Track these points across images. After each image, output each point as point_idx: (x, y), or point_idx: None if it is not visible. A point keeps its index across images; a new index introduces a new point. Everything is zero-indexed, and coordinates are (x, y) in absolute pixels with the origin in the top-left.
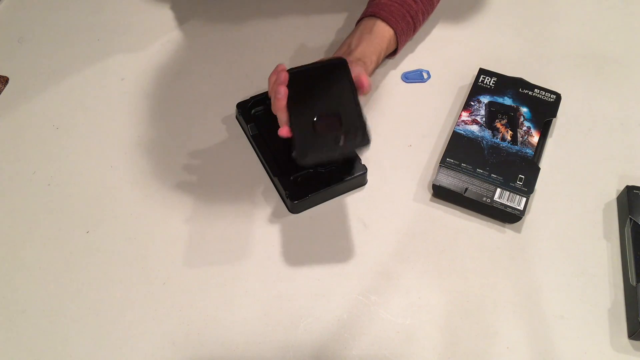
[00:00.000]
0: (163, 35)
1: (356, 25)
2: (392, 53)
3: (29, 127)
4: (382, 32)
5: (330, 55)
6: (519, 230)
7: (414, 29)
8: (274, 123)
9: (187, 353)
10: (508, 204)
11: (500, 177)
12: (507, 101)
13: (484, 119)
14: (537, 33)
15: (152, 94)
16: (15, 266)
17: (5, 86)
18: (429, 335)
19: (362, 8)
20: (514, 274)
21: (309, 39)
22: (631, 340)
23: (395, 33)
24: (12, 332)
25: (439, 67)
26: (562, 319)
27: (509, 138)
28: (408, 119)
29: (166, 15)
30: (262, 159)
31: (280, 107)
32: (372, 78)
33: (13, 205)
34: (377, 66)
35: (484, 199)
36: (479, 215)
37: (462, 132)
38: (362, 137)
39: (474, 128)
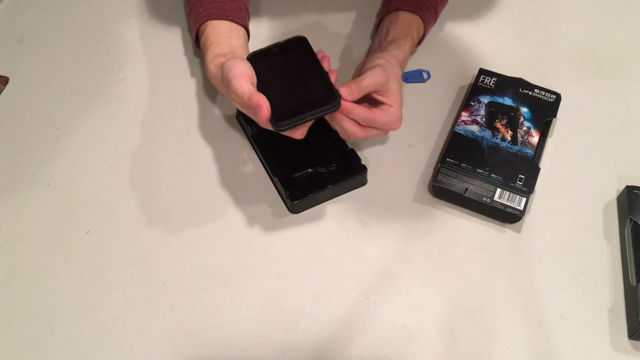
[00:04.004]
0: (163, 35)
1: (379, 26)
2: (419, 42)
3: (29, 127)
4: (408, 18)
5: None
6: (519, 230)
7: (435, 16)
8: None
9: (187, 353)
10: (508, 204)
11: (500, 177)
12: (507, 101)
13: (484, 119)
14: (537, 33)
15: (152, 94)
16: (15, 266)
17: (5, 86)
18: (429, 335)
19: (367, 6)
20: (514, 274)
21: (312, 40)
22: (631, 340)
23: (421, 18)
24: (12, 332)
25: (439, 67)
26: (562, 319)
27: (509, 138)
28: (408, 119)
29: (166, 15)
30: (262, 159)
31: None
32: None
33: (13, 205)
34: (412, 50)
35: (484, 199)
36: (479, 215)
37: (462, 132)
38: (333, 103)
39: (474, 128)
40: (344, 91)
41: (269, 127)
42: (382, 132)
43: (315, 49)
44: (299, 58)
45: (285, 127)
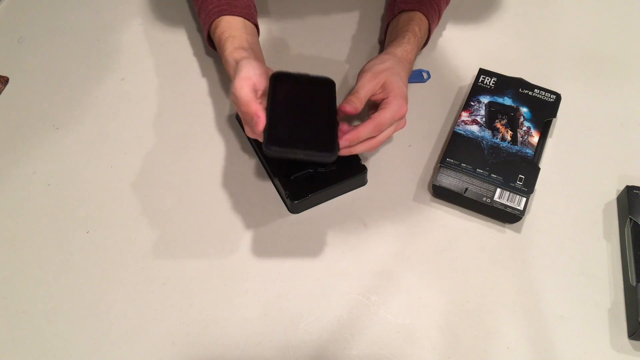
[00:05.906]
0: (163, 35)
1: (386, 32)
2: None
3: (29, 127)
4: (409, 16)
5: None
6: (519, 230)
7: (439, 13)
8: None
9: (187, 353)
10: (508, 204)
11: (500, 177)
12: (507, 101)
13: (484, 119)
14: (537, 33)
15: (152, 94)
16: (15, 266)
17: (5, 86)
18: (429, 335)
19: (371, 7)
20: (514, 274)
21: (311, 41)
22: (631, 340)
23: (421, 12)
24: (12, 332)
25: (439, 67)
26: (562, 319)
27: (509, 138)
28: (408, 119)
29: (166, 15)
30: (262, 159)
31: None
32: None
33: (13, 205)
34: (413, 42)
35: (484, 199)
36: (479, 215)
37: (462, 132)
38: (328, 152)
39: (474, 128)
40: (348, 107)
41: (258, 137)
42: (397, 126)
43: (318, 50)
44: (319, 97)
45: (273, 153)
